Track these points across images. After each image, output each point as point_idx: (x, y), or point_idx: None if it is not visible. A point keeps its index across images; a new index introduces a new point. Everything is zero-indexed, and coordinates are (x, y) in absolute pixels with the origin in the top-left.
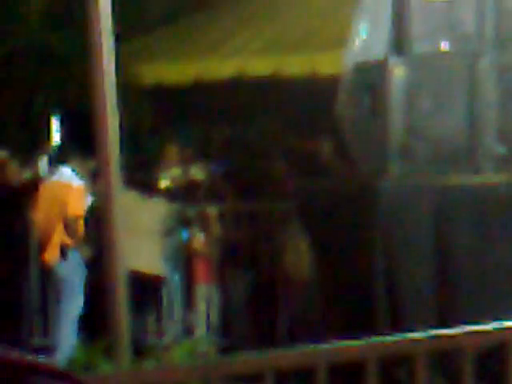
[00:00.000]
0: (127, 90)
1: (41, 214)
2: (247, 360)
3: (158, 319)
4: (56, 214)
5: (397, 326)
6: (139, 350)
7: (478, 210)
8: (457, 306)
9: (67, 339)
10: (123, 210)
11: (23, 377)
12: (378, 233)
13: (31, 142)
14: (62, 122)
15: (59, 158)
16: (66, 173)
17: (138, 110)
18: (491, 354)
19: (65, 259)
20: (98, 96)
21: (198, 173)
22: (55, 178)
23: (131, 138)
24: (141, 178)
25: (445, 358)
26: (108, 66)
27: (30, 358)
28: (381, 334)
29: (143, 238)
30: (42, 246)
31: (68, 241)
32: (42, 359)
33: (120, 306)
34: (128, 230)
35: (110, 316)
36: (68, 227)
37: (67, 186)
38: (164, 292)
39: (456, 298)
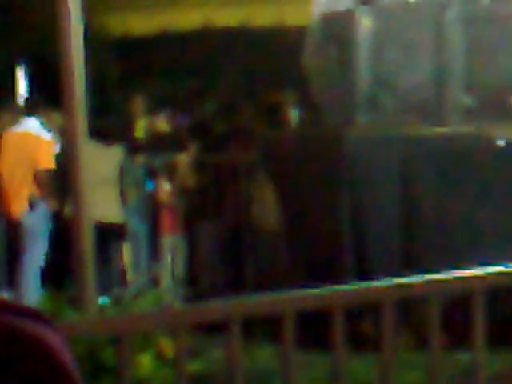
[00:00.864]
0: (94, 40)
1: (6, 165)
2: (213, 308)
3: (124, 270)
4: (26, 166)
5: (362, 275)
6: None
7: (444, 162)
8: (421, 256)
9: (32, 289)
10: (97, 166)
11: None
12: (345, 183)
13: None
14: (27, 73)
15: (25, 109)
16: (32, 125)
17: (104, 61)
18: (457, 303)
19: (32, 211)
20: (65, 47)
21: (163, 124)
22: (21, 129)
23: (97, 90)
24: (106, 129)
25: (410, 308)
26: (74, 15)
27: (1, 296)
28: (347, 284)
29: (102, 188)
30: (8, 198)
31: (37, 193)
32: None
33: (85, 256)
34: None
35: (75, 266)
36: (38, 180)
37: (37, 139)
38: (130, 243)
39: (421, 249)
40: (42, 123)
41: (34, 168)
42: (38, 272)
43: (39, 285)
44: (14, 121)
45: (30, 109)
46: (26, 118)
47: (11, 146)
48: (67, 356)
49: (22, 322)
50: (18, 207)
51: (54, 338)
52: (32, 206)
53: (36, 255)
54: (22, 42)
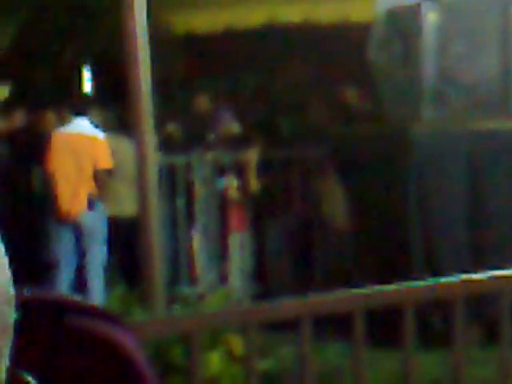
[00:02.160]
0: (159, 40)
1: (61, 166)
2: (284, 306)
3: (193, 268)
4: (83, 167)
5: (432, 272)
6: (174, 299)
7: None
8: (492, 251)
9: (96, 290)
10: (118, 159)
11: (67, 316)
12: (413, 179)
13: (62, 94)
14: (93, 73)
15: (77, 109)
16: (85, 125)
17: (169, 60)
18: None
19: (92, 210)
20: (130, 46)
21: (230, 122)
22: (72, 129)
23: (163, 89)
24: (172, 127)
25: (480, 305)
26: (140, 15)
27: (73, 298)
28: (417, 280)
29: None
30: (65, 199)
31: (96, 192)
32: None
33: (153, 255)
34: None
35: (143, 265)
36: (97, 180)
37: (93, 139)
38: (199, 240)
39: (491, 243)
40: (92, 122)
41: (92, 168)
42: (101, 272)
43: (103, 285)
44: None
45: (83, 108)
46: (77, 117)
47: (65, 146)
48: (140, 356)
49: (94, 324)
50: (77, 208)
51: (125, 339)
52: (91, 206)
53: (97, 255)
54: (89, 43)
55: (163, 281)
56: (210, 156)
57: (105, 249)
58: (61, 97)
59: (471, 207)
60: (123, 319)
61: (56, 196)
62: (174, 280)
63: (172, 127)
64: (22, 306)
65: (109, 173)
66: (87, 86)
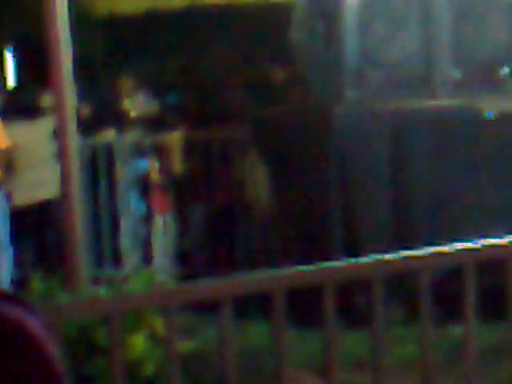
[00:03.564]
0: (80, 20)
1: None
2: (205, 287)
3: (116, 249)
4: None
5: (352, 252)
6: (98, 281)
7: (434, 135)
8: (413, 232)
9: (2, 269)
10: (16, 144)
11: None
12: (336, 159)
13: None
14: (15, 56)
15: None
16: None
17: (90, 42)
18: (448, 277)
19: None
20: (51, 28)
21: (151, 103)
22: None
23: (84, 70)
24: (95, 108)
25: (401, 284)
26: None
27: None
28: (337, 260)
29: (42, 164)
30: None
31: None
32: None
33: (74, 236)
34: (27, 162)
35: (65, 246)
36: None
37: None
38: (122, 221)
39: (412, 224)
40: None
41: None
42: (7, 252)
43: (11, 265)
44: None
45: None
46: None
47: None
48: (49, 341)
49: (3, 307)
50: None
51: (35, 323)
52: None
53: (4, 238)
54: (9, 25)
55: (86, 262)
56: (129, 138)
57: (7, 230)
58: None
59: (394, 187)
60: (45, 300)
61: None
62: (97, 262)
63: (92, 108)
64: None
65: (6, 156)
66: (9, 69)
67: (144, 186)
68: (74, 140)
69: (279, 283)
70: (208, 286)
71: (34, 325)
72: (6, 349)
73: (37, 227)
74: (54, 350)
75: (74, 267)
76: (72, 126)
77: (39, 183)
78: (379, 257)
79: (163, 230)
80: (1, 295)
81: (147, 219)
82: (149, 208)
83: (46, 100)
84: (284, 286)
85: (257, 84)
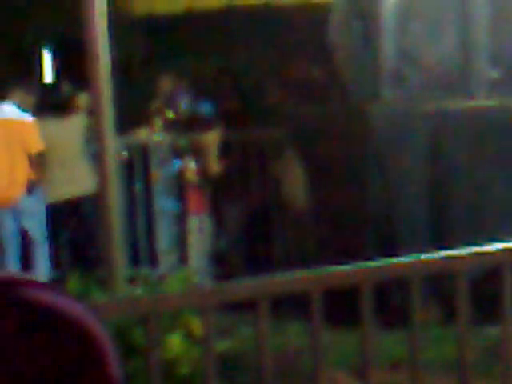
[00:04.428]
0: (118, 20)
1: None
2: (241, 287)
3: (152, 249)
4: (17, 152)
5: (391, 253)
6: (134, 281)
7: (472, 135)
8: (453, 232)
9: (42, 267)
10: (49, 141)
11: (7, 290)
12: (372, 158)
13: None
14: (53, 56)
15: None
16: (10, 110)
17: (128, 41)
18: (486, 278)
19: (31, 195)
20: (90, 28)
21: (188, 104)
22: (0, 116)
23: (122, 70)
24: (131, 109)
25: (439, 284)
26: None
27: (12, 272)
28: (375, 260)
29: (70, 162)
30: (3, 186)
31: (33, 176)
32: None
33: (112, 236)
34: (59, 159)
35: (103, 245)
36: (33, 163)
37: (21, 123)
38: (158, 222)
39: (450, 224)
40: (16, 106)
41: (25, 153)
42: (46, 250)
43: (49, 263)
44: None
45: (3, 93)
46: (1, 103)
47: None
48: (101, 330)
49: (53, 300)
50: (16, 194)
51: (85, 314)
52: (30, 190)
53: (44, 235)
54: (48, 25)
55: (124, 262)
56: (166, 138)
57: (45, 228)
58: (20, 80)
59: (431, 188)
60: (81, 300)
61: None
62: (134, 262)
63: (129, 108)
64: None
65: (42, 156)
66: (48, 69)
67: (180, 186)
68: (111, 140)
69: (317, 283)
70: (246, 286)
71: (87, 316)
72: (59, 340)
73: (72, 225)
74: (108, 338)
75: (112, 267)
76: (109, 126)
77: (71, 180)
78: (418, 257)
79: (199, 230)
80: (35, 283)
81: (183, 219)
82: (184, 208)
83: (80, 98)
84: (321, 286)
85: (295, 84)
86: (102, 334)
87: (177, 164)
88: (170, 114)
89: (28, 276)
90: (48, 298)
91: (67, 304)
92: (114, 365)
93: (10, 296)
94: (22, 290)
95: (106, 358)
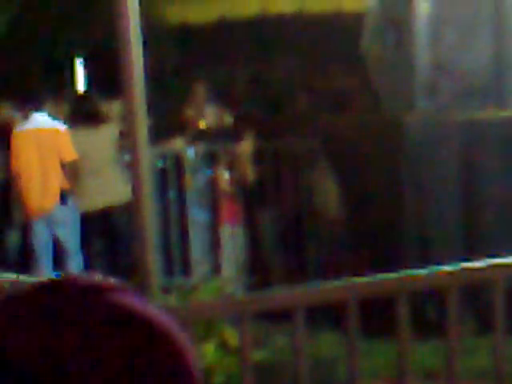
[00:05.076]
0: (151, 29)
1: (27, 163)
2: (277, 296)
3: (186, 259)
4: (51, 161)
5: (427, 261)
6: (167, 290)
7: (505, 145)
8: (486, 241)
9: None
10: (81, 151)
11: (97, 296)
12: (405, 169)
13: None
14: (86, 65)
15: (33, 104)
16: (44, 119)
17: (162, 51)
18: None
19: (65, 203)
20: (123, 37)
21: (222, 112)
22: (31, 125)
23: (155, 80)
24: (166, 117)
25: (474, 294)
26: (132, 6)
27: (97, 277)
28: (411, 269)
29: (103, 170)
30: (36, 196)
31: (66, 185)
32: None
33: (146, 245)
34: (91, 169)
35: (137, 254)
36: (66, 172)
37: (55, 132)
38: (191, 231)
39: (484, 235)
40: (50, 115)
41: (58, 161)
42: (80, 258)
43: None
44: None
45: (36, 103)
46: (34, 113)
47: (27, 143)
48: (178, 331)
49: (132, 302)
50: (49, 203)
51: (163, 316)
52: (63, 200)
53: (77, 244)
54: (81, 35)
55: (157, 271)
56: (199, 147)
57: (78, 238)
58: (54, 90)
59: (465, 197)
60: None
61: (25, 194)
62: (167, 271)
63: (163, 118)
64: (56, 289)
65: (75, 165)
66: (80, 78)
67: (213, 196)
68: (145, 149)
69: (353, 292)
70: (282, 295)
71: (164, 318)
72: (141, 342)
73: (105, 234)
74: (186, 339)
75: (146, 276)
76: (143, 135)
77: (103, 190)
78: (454, 266)
79: (232, 240)
80: (116, 288)
81: (216, 228)
82: (218, 217)
83: (113, 107)
84: (357, 295)
85: (327, 93)
86: (183, 337)
87: (208, 173)
88: (204, 123)
89: (111, 281)
90: (132, 302)
91: (150, 309)
92: (195, 366)
93: (98, 301)
94: (108, 294)
95: (188, 360)
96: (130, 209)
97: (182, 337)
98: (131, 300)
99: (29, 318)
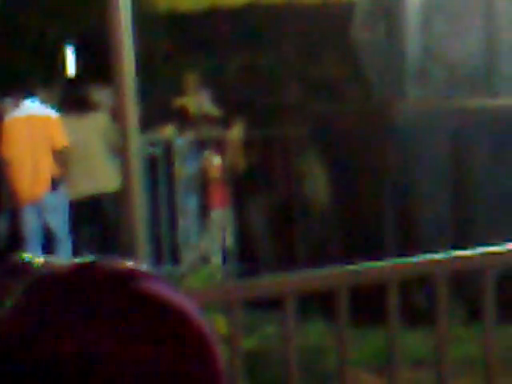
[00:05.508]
0: (142, 17)
1: (19, 150)
2: (268, 283)
3: (175, 247)
4: (42, 148)
5: (414, 250)
6: None
7: (496, 133)
8: (474, 229)
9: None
10: (69, 137)
11: (130, 284)
12: (396, 157)
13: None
14: (76, 52)
15: (25, 91)
16: (35, 106)
17: (153, 39)
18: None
19: (56, 190)
20: (114, 24)
21: (211, 100)
22: (22, 112)
23: (146, 66)
24: (155, 104)
25: (464, 282)
26: None
27: (127, 264)
28: (400, 257)
29: (95, 158)
30: (27, 183)
31: (57, 172)
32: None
33: (135, 233)
34: (80, 156)
35: (127, 243)
36: (57, 159)
37: (47, 119)
38: (180, 218)
39: (473, 221)
40: (41, 102)
41: (50, 148)
42: (69, 244)
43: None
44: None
45: (27, 90)
46: (26, 100)
47: (19, 131)
48: (202, 319)
49: (159, 289)
50: (39, 190)
51: (188, 303)
52: (54, 186)
53: (62, 229)
54: (71, 21)
55: (147, 259)
56: (189, 134)
57: (67, 225)
58: (44, 77)
59: (455, 186)
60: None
61: (16, 181)
62: (156, 259)
63: (153, 105)
64: (87, 273)
65: (66, 152)
66: (71, 67)
67: (203, 182)
68: (135, 137)
69: (344, 280)
70: (272, 283)
71: (189, 305)
72: (168, 329)
73: (93, 222)
74: (210, 327)
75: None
76: (133, 123)
77: (91, 177)
78: (443, 254)
79: (221, 226)
80: (147, 275)
81: (205, 215)
82: (207, 204)
83: (101, 95)
84: (348, 283)
85: (318, 82)
86: (208, 326)
87: (200, 160)
88: (194, 111)
89: (141, 267)
90: (162, 290)
91: (180, 297)
92: (220, 356)
93: (129, 288)
94: (139, 281)
95: (213, 350)
96: (119, 196)
97: (208, 326)
98: (163, 288)
99: (62, 299)
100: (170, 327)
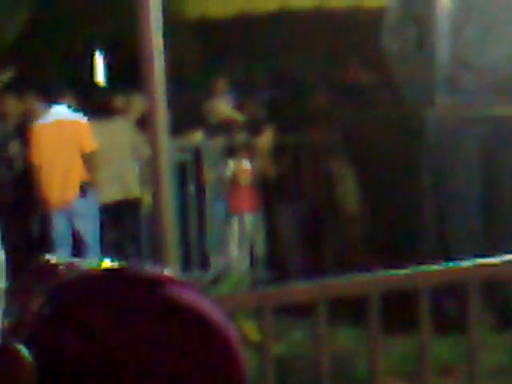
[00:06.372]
0: (172, 23)
1: (48, 155)
2: (299, 289)
3: (203, 252)
4: (71, 153)
5: (446, 257)
6: None
7: None
8: (506, 236)
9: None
10: (99, 142)
11: (159, 289)
12: (426, 164)
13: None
14: (105, 59)
15: (53, 97)
16: (64, 111)
17: (182, 45)
18: None
19: (84, 197)
20: (144, 31)
21: (241, 106)
22: (52, 118)
23: (176, 73)
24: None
25: (494, 290)
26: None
27: (156, 269)
28: (431, 264)
29: (115, 164)
30: (57, 188)
31: (87, 177)
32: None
33: (165, 239)
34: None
35: (155, 248)
36: (87, 163)
37: (77, 123)
38: (209, 224)
39: (504, 229)
40: (69, 107)
41: (79, 153)
42: (98, 251)
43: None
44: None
45: (56, 95)
46: (52, 105)
47: (49, 136)
48: (229, 326)
49: (186, 295)
50: (69, 196)
51: (214, 310)
52: (83, 191)
53: (92, 235)
54: (101, 27)
55: (176, 265)
56: (218, 140)
57: (98, 230)
58: (72, 84)
59: (486, 192)
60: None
61: (46, 186)
62: (185, 265)
63: (183, 111)
64: (119, 277)
65: (95, 156)
66: (99, 72)
67: (232, 188)
68: (165, 142)
69: (375, 286)
70: (303, 289)
71: (215, 312)
72: (193, 335)
73: (120, 227)
74: (236, 334)
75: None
76: (163, 128)
77: (119, 182)
78: (475, 261)
79: (251, 232)
80: (177, 282)
81: (234, 221)
82: (236, 210)
83: (133, 101)
84: (380, 290)
85: (348, 88)
86: (231, 329)
87: (229, 165)
88: (224, 116)
89: (169, 273)
90: (190, 296)
91: (208, 304)
92: (244, 364)
93: (157, 294)
94: (167, 287)
95: (238, 357)
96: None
97: (235, 333)
98: (191, 295)
99: (90, 303)
100: (196, 334)
